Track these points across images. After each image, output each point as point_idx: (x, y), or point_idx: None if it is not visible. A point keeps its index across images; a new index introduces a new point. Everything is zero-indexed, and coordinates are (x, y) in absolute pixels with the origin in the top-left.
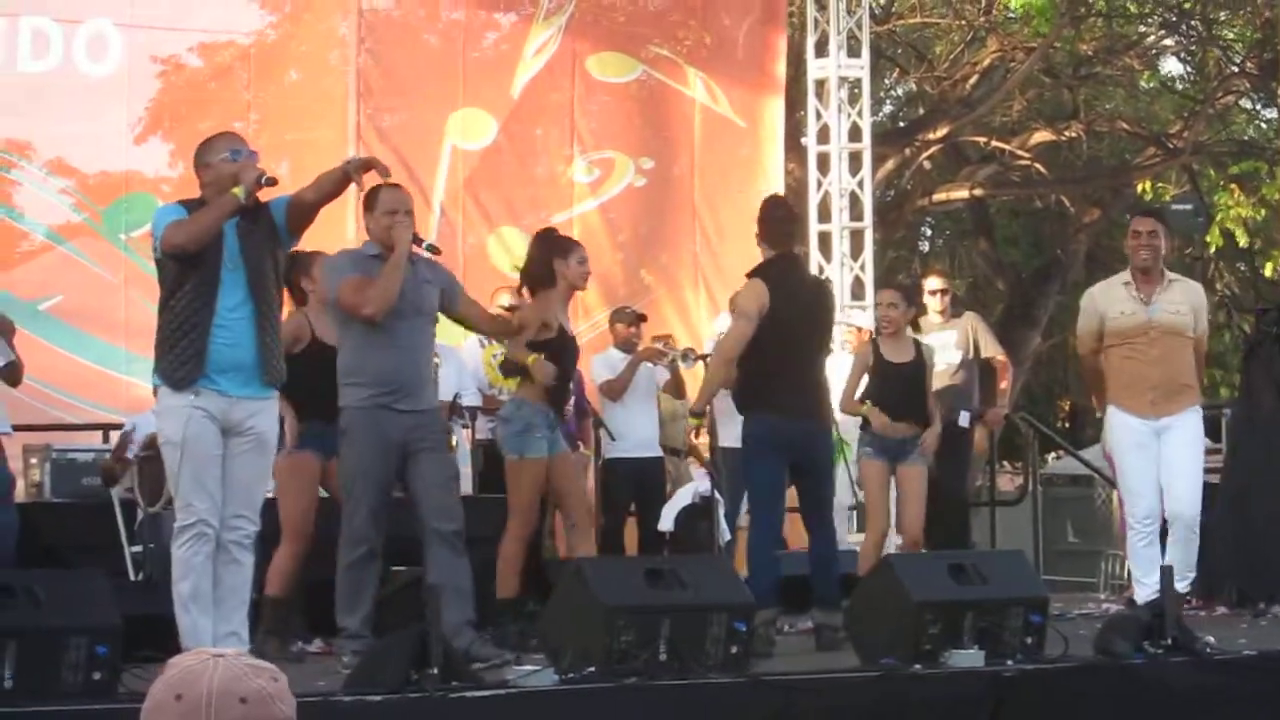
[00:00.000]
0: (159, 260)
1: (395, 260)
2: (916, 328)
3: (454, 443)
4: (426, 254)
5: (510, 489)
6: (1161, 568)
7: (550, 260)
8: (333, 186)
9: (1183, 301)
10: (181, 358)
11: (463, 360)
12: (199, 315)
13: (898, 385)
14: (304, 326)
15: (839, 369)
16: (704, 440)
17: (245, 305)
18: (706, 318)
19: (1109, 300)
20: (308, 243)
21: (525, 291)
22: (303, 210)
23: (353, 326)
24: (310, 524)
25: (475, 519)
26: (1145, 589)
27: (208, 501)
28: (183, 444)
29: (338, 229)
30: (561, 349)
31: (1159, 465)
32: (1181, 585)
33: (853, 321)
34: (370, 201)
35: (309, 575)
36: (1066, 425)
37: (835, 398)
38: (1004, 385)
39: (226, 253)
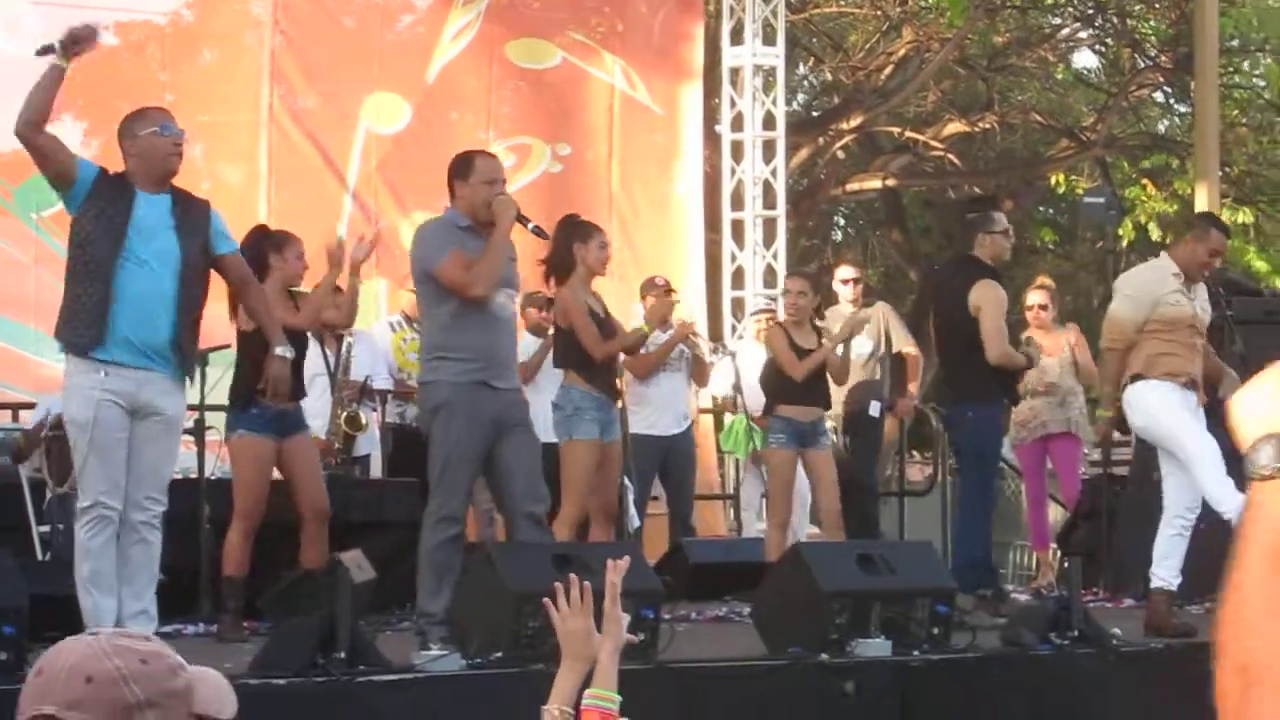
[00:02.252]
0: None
1: (501, 236)
2: (819, 315)
3: (364, 424)
4: (532, 234)
5: (562, 471)
6: (1070, 561)
7: (570, 245)
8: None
9: (1205, 302)
10: (85, 321)
11: (374, 342)
12: (101, 281)
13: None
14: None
15: (750, 360)
16: None
17: (169, 284)
18: (620, 304)
19: (1163, 287)
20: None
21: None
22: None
23: (446, 301)
24: (262, 505)
25: (386, 502)
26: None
27: (109, 485)
28: (89, 426)
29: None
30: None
31: None
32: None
33: (765, 309)
34: (464, 169)
35: (213, 557)
36: None
37: (748, 388)
38: (914, 376)
39: (140, 224)
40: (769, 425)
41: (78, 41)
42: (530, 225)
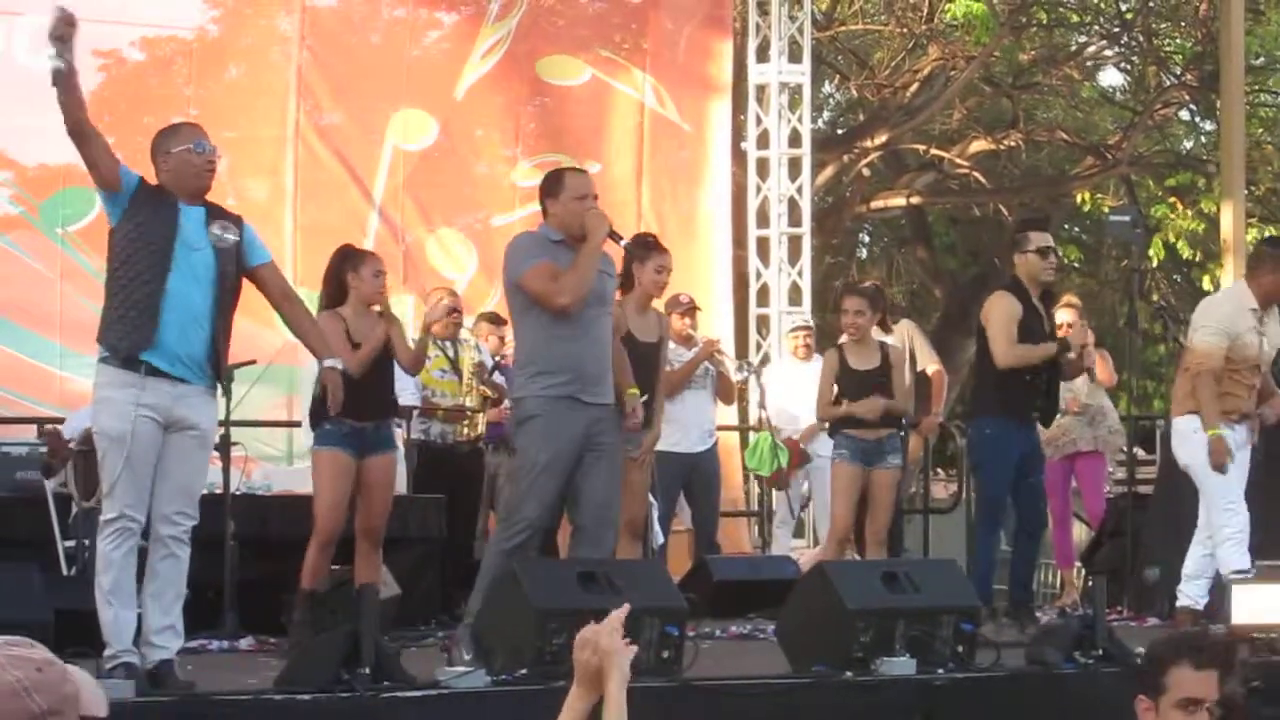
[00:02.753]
0: (111, 231)
1: (592, 249)
2: (886, 329)
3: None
4: (625, 250)
5: None
6: (1095, 580)
7: (630, 265)
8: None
9: (1276, 333)
10: (128, 328)
11: None
12: (151, 288)
13: (864, 391)
14: (340, 329)
15: (779, 377)
16: None
17: (206, 298)
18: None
19: (1241, 323)
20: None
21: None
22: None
23: (536, 314)
24: (341, 520)
25: (411, 519)
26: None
27: (136, 498)
28: (125, 439)
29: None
30: (634, 357)
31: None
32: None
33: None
34: (555, 186)
35: (238, 574)
36: None
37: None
38: (938, 394)
39: (183, 235)
40: (834, 443)
41: (60, 39)
42: (623, 241)
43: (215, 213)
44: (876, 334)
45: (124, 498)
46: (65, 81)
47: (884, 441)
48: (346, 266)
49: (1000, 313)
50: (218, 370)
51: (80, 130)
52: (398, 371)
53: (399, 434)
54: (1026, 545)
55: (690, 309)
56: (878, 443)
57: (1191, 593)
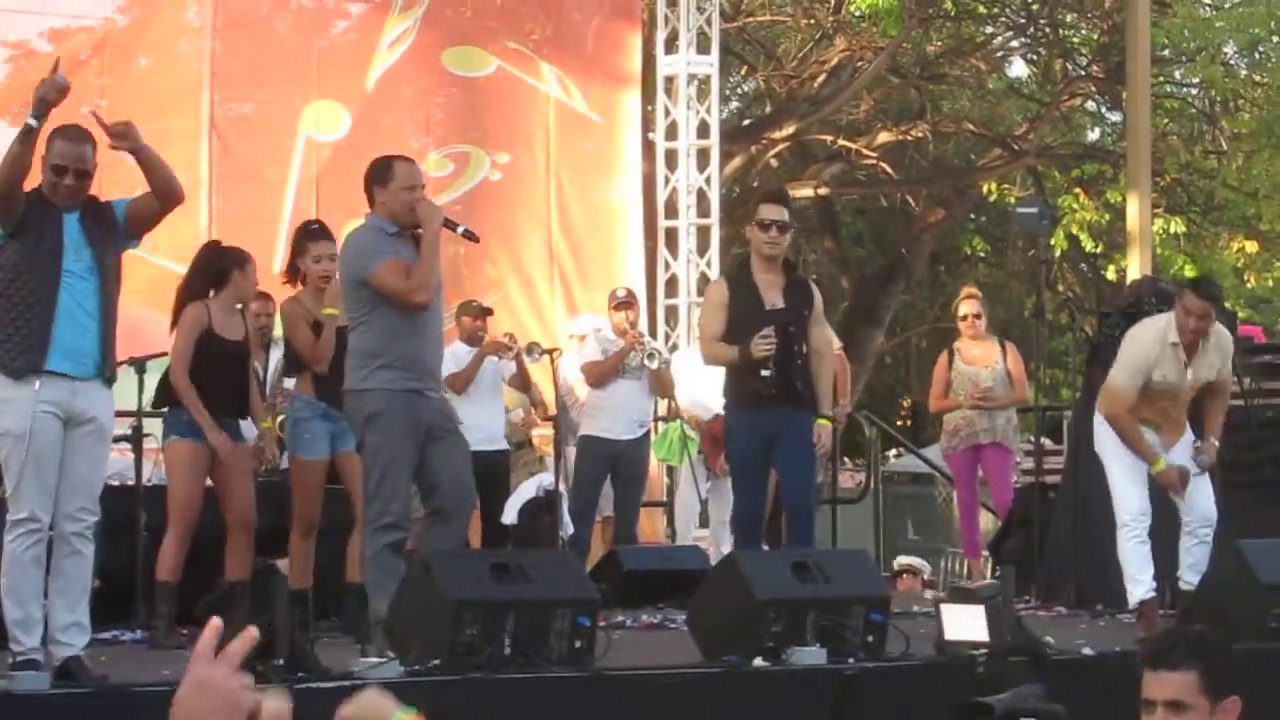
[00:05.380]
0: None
1: (433, 243)
2: None
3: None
4: (463, 237)
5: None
6: (1003, 569)
7: (294, 258)
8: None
9: (1217, 358)
10: (21, 346)
11: None
12: (41, 305)
13: None
14: (203, 318)
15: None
16: (544, 433)
17: (92, 297)
18: (562, 313)
19: (1159, 360)
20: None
21: None
22: (142, 213)
23: (383, 309)
24: (196, 511)
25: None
26: (1140, 586)
27: (42, 497)
28: (26, 438)
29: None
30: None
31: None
32: (1191, 583)
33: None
34: (384, 175)
35: (150, 564)
36: (908, 423)
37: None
38: (843, 383)
39: (69, 242)
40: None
41: (48, 103)
42: (460, 229)
43: (88, 211)
44: None
45: (30, 497)
46: (30, 143)
47: None
48: (230, 262)
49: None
50: (110, 364)
51: (9, 192)
52: None
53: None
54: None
55: (625, 302)
56: None
57: (1190, 579)
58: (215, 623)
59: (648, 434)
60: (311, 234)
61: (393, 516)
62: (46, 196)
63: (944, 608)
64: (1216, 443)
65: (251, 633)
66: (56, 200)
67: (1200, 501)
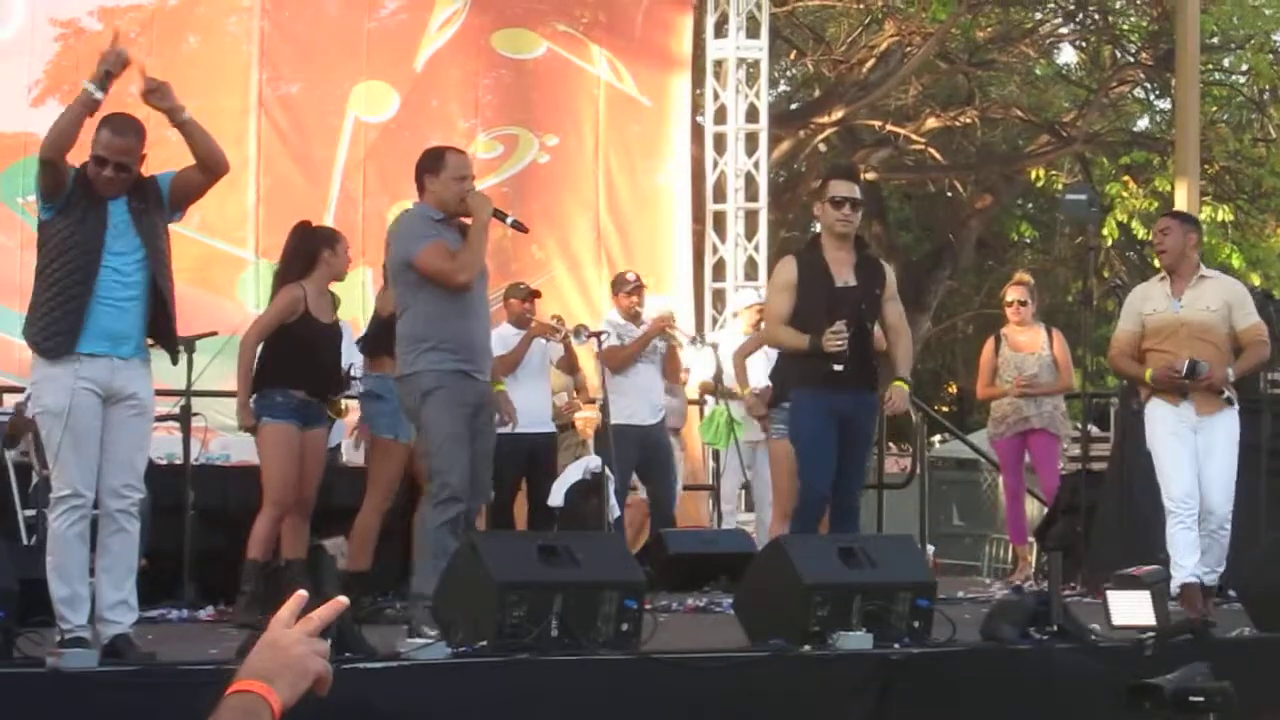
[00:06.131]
0: (42, 223)
1: (480, 229)
2: None
3: (344, 410)
4: (511, 228)
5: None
6: (1049, 556)
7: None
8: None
9: (1215, 298)
10: (54, 328)
11: (354, 333)
12: (78, 287)
13: None
14: (300, 300)
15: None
16: (587, 415)
17: (137, 280)
18: (609, 295)
19: (1145, 298)
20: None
21: None
22: (187, 186)
23: (428, 291)
24: (290, 491)
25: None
26: (1182, 571)
27: (84, 473)
28: (65, 415)
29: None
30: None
31: (1198, 459)
32: (1211, 578)
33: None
34: (435, 164)
35: (198, 543)
36: (954, 409)
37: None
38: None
39: (114, 225)
40: (771, 417)
41: (111, 75)
42: (509, 219)
43: (135, 193)
44: None
45: (72, 474)
46: (87, 113)
47: None
48: (320, 241)
49: (771, 289)
50: (163, 338)
51: (65, 153)
52: (351, 345)
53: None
54: None
55: (637, 287)
56: None
57: (1197, 574)
58: (300, 593)
59: (665, 417)
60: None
61: (452, 490)
62: (93, 181)
63: (1110, 594)
64: (1232, 373)
65: (341, 602)
66: (98, 187)
67: (1213, 496)
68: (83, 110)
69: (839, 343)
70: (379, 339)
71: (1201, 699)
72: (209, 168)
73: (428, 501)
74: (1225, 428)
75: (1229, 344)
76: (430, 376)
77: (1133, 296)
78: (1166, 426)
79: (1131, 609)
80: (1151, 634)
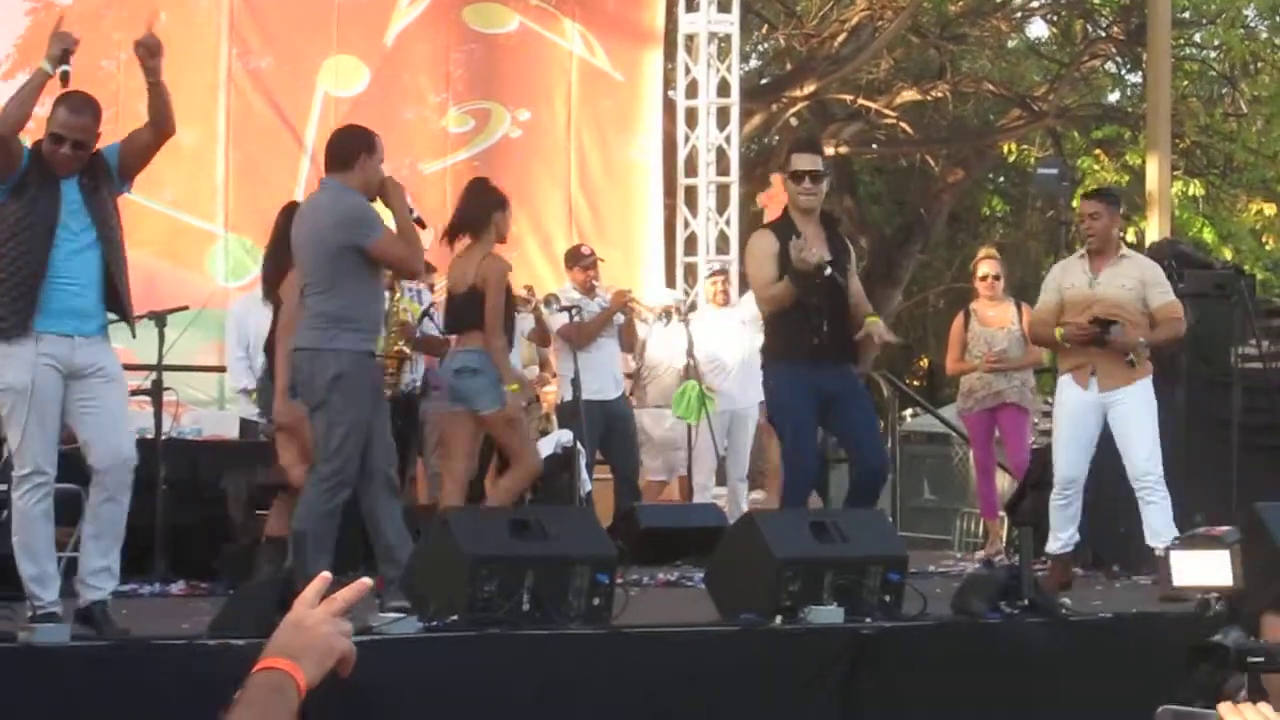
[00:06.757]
0: None
1: (407, 219)
2: None
3: None
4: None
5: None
6: (1020, 531)
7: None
8: (30, 102)
9: (1130, 277)
10: (11, 308)
11: None
12: (30, 268)
13: None
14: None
15: (702, 325)
16: (549, 390)
17: (93, 259)
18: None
19: (1065, 271)
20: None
21: None
22: (135, 148)
23: (358, 276)
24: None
25: None
26: (1057, 543)
27: (48, 450)
28: (29, 392)
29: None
30: None
31: (1115, 435)
32: (1160, 544)
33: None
34: (370, 145)
35: (169, 518)
36: (925, 383)
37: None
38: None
39: (66, 205)
40: None
41: (69, 53)
42: (414, 214)
43: (86, 171)
44: None
45: (35, 450)
46: (39, 90)
47: None
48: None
49: (750, 258)
50: (118, 311)
51: (17, 130)
52: None
53: None
54: None
55: (592, 261)
56: None
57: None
58: (325, 574)
59: (626, 390)
60: None
61: (346, 476)
62: (46, 159)
63: (1173, 554)
64: (1144, 341)
65: (364, 583)
66: (53, 165)
67: (1136, 460)
68: (36, 86)
69: (812, 251)
70: (465, 312)
71: (1261, 659)
72: (160, 126)
73: (318, 484)
74: (1139, 394)
75: (1144, 321)
76: (348, 357)
77: (1055, 269)
78: (1067, 410)
79: (1200, 569)
80: (1216, 595)
